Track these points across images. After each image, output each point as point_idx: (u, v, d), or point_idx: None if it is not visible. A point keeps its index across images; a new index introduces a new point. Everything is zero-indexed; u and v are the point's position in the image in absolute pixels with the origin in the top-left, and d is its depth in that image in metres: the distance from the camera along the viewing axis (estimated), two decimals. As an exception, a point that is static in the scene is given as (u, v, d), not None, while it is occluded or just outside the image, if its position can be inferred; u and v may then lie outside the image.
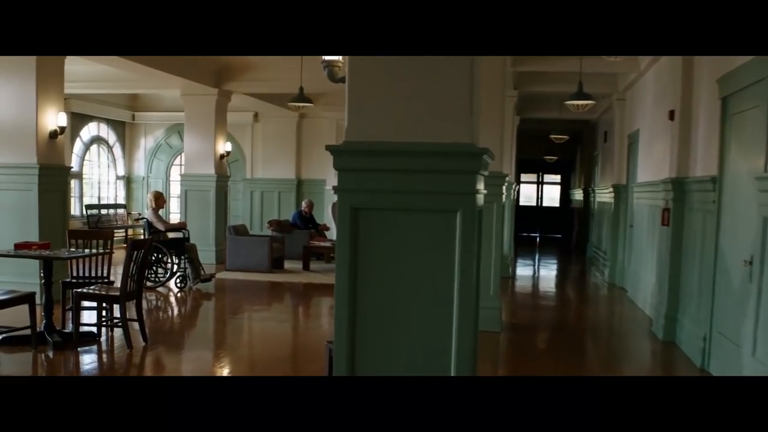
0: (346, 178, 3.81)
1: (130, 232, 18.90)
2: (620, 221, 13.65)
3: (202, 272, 11.70)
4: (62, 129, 9.97)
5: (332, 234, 17.77)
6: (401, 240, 3.72)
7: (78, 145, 17.72)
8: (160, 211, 11.81)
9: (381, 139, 3.73)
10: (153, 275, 11.62)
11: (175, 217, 19.50)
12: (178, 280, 11.49)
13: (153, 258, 11.44)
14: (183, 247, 11.53)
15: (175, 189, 19.72)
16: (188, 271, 11.49)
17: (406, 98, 3.68)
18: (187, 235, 11.81)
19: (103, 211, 18.19)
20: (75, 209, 17.74)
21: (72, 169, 17.30)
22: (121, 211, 19.04)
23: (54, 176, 9.97)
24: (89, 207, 17.73)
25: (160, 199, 11.52)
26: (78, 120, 17.46)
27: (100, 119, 18.49)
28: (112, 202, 19.24)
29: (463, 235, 3.73)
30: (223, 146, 15.21)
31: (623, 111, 13.81)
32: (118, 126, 19.33)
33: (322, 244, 14.61)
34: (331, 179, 18.32)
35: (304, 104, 12.28)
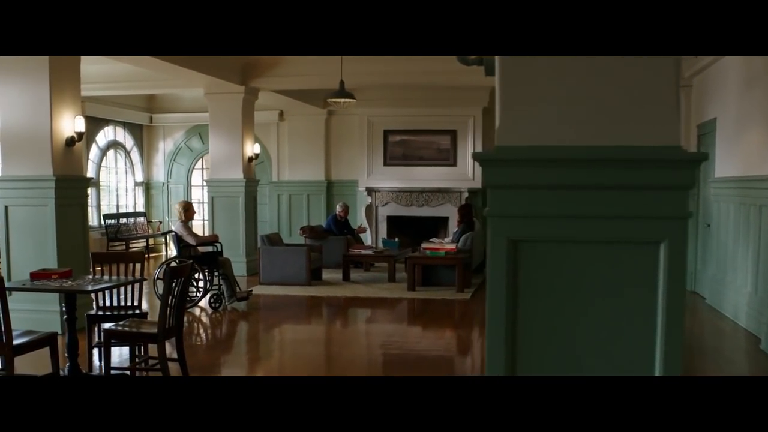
0: (500, 199, 2.65)
1: (150, 241, 17.81)
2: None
3: (238, 289, 10.57)
4: (80, 135, 8.87)
5: (367, 238, 16.67)
6: (579, 282, 2.65)
7: (94, 151, 16.63)
8: (190, 223, 10.69)
9: (552, 144, 2.60)
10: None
11: (198, 225, 18.40)
12: (212, 299, 10.35)
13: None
14: (216, 263, 10.39)
15: (197, 194, 18.66)
16: (223, 288, 10.36)
17: (584, 87, 2.57)
18: (219, 249, 10.66)
19: (122, 221, 17.11)
20: (93, 219, 16.66)
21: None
22: (140, 219, 17.95)
23: (72, 188, 8.86)
24: (107, 216, 16.64)
25: (189, 210, 10.39)
26: (93, 124, 16.35)
27: (116, 122, 17.40)
28: (130, 210, 18.15)
29: (669, 277, 2.62)
30: (252, 148, 14.08)
31: (689, 99, 12.58)
32: (135, 129, 18.23)
33: (363, 252, 13.45)
34: (363, 180, 17.17)
35: (346, 100, 11.09)
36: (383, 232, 17.23)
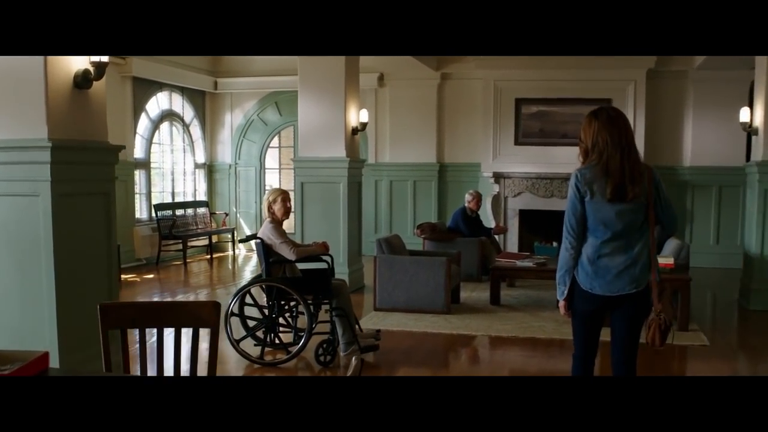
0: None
1: (214, 238, 14.00)
2: None
3: (359, 330, 6.61)
4: (100, 69, 4.94)
5: (510, 240, 12.66)
6: None
7: (143, 123, 12.84)
8: (285, 225, 6.71)
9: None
10: (274, 338, 6.65)
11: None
12: (320, 349, 6.36)
13: (275, 307, 6.45)
14: (328, 289, 6.39)
15: (272, 179, 14.80)
16: (337, 330, 6.39)
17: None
18: (330, 266, 6.64)
19: (179, 212, 13.32)
20: (141, 210, 12.92)
21: (137, 158, 12.62)
22: (202, 210, 14.13)
23: (86, 164, 4.97)
24: (158, 207, 12.83)
25: (285, 203, 6.44)
26: (143, 88, 12.59)
27: (172, 87, 13.57)
28: (189, 199, 14.34)
29: None
30: (357, 116, 10.14)
31: None
32: (195, 97, 14.38)
33: (520, 264, 9.30)
34: (488, 163, 13.11)
35: None
36: (513, 229, 13.19)
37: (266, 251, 6.31)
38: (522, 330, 7.77)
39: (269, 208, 6.44)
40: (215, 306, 3.15)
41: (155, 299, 9.82)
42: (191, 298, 9.98)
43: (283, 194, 6.48)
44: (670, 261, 7.90)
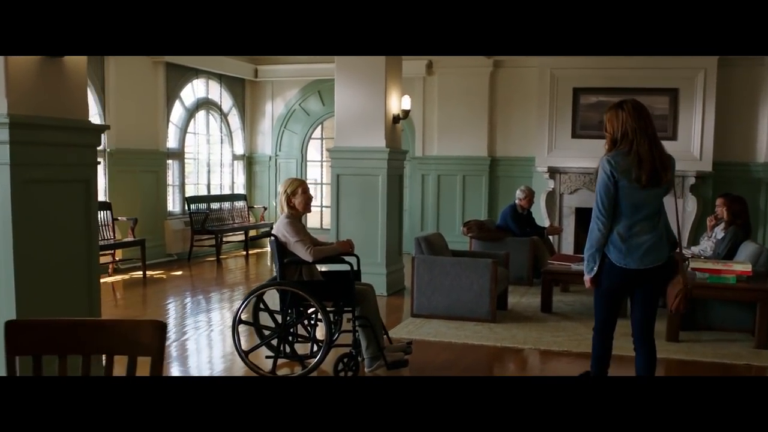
0: None
1: (251, 233, 13.31)
2: None
3: (387, 341, 5.79)
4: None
5: (566, 240, 11.76)
6: None
7: (177, 111, 12.21)
8: (304, 218, 5.91)
9: None
10: (286, 349, 5.86)
11: (312, 218, 13.78)
12: (339, 363, 5.54)
13: (289, 314, 5.66)
14: (350, 294, 5.57)
15: (314, 173, 14.07)
16: (361, 342, 5.57)
17: None
18: (356, 267, 5.82)
19: (214, 205, 12.65)
20: (174, 204, 12.29)
21: (170, 148, 11.99)
22: (239, 203, 13.46)
23: (60, 146, 4.23)
24: (191, 200, 12.18)
25: (306, 194, 5.66)
26: (177, 75, 11.95)
27: (209, 74, 12.91)
28: (227, 191, 13.68)
29: None
30: (399, 102, 9.32)
31: None
32: (234, 85, 13.71)
33: (576, 267, 8.34)
34: (543, 157, 12.19)
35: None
36: (569, 229, 12.24)
37: (281, 250, 5.52)
38: (575, 343, 6.86)
39: (288, 201, 5.65)
40: (158, 327, 2.36)
41: (187, 297, 9.20)
42: (226, 294, 9.36)
43: (303, 184, 5.69)
44: (748, 268, 6.93)
